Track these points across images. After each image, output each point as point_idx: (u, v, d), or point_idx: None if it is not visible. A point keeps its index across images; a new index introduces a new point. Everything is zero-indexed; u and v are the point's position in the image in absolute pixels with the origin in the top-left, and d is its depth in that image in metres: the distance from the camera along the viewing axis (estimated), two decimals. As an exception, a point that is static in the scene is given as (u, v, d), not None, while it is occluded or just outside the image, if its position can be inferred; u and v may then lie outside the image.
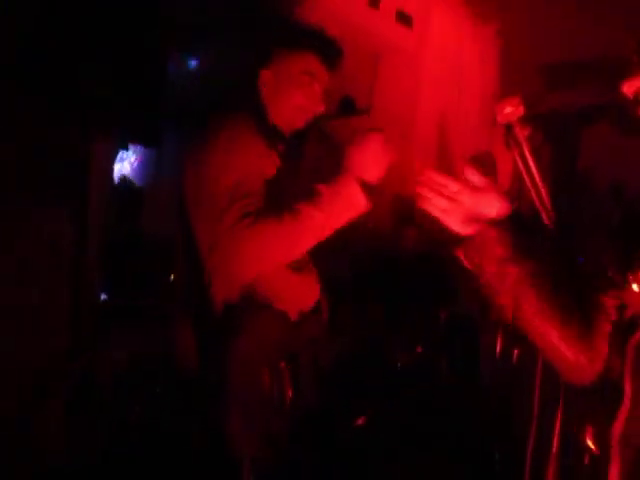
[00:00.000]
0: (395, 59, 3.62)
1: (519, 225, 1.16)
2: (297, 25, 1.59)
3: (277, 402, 1.46)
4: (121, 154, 2.69)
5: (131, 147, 2.74)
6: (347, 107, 4.00)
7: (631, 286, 1.06)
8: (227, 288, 1.41)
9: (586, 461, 1.75)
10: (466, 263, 1.19)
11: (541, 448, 1.42)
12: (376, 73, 3.73)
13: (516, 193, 3.25)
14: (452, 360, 2.41)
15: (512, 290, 1.09)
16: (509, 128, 1.42)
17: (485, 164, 3.27)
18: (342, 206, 1.40)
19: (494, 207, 1.14)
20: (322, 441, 2.15)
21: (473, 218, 1.14)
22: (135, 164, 2.44)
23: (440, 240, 3.39)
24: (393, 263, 2.81)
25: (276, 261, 1.40)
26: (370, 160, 1.44)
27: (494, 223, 1.13)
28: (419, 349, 2.32)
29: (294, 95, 1.51)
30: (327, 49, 1.57)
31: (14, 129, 1.95)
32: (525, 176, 1.39)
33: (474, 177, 1.17)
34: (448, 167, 3.55)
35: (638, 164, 2.69)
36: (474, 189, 1.15)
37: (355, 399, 2.21)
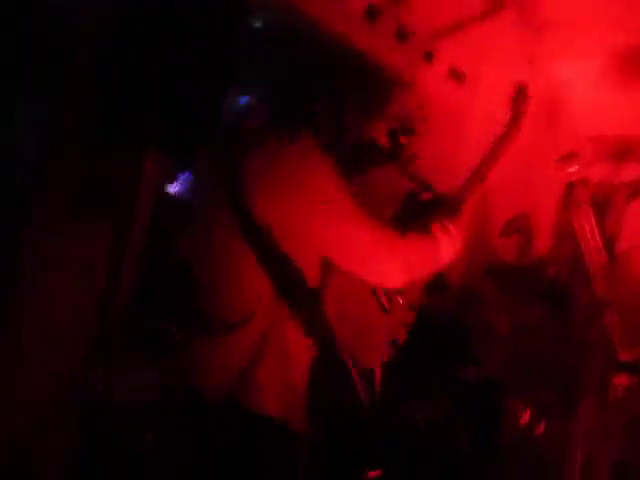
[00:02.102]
0: (443, 113, 3.64)
1: None
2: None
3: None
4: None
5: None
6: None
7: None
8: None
9: None
10: None
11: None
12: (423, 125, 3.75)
13: (555, 258, 3.21)
14: (473, 423, 2.32)
15: None
16: (570, 188, 1.39)
17: (524, 227, 3.23)
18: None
19: None
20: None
21: None
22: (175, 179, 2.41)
23: (467, 300, 3.31)
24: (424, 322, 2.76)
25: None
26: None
27: None
28: (442, 407, 2.24)
29: None
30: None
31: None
32: (582, 239, 1.35)
33: None
34: (483, 227, 3.50)
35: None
36: None
37: (372, 450, 2.13)
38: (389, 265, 1.40)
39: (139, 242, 2.14)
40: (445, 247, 1.54)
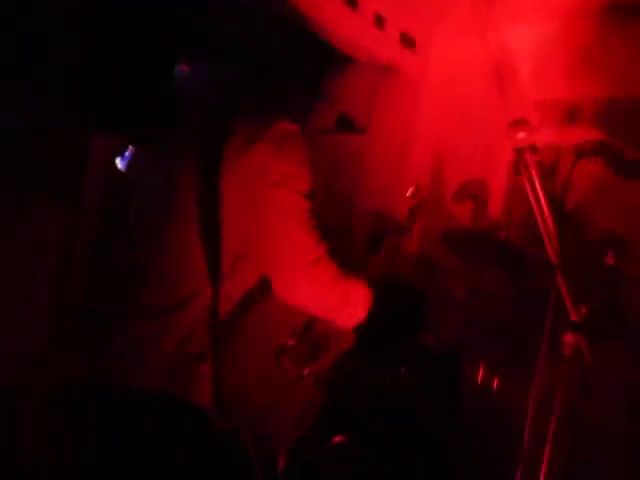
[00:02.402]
0: (396, 81, 3.64)
1: None
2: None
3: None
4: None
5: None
6: (344, 124, 4.01)
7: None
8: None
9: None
10: None
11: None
12: (376, 93, 3.74)
13: (507, 222, 3.29)
14: (434, 385, 2.38)
15: None
16: (519, 153, 1.41)
17: (477, 192, 3.29)
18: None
19: None
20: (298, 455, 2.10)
21: None
22: (126, 156, 2.35)
23: (424, 267, 3.36)
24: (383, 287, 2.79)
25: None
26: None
27: None
28: (403, 370, 2.30)
29: None
30: None
31: (16, 121, 1.91)
32: (533, 203, 1.38)
33: None
34: (441, 193, 3.56)
35: (630, 207, 2.72)
36: None
37: (336, 415, 2.17)
38: (298, 275, 1.38)
39: (89, 223, 2.08)
40: (350, 309, 1.50)
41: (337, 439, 2.22)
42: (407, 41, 3.55)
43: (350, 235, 3.67)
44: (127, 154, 1.95)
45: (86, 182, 2.01)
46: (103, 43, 2.02)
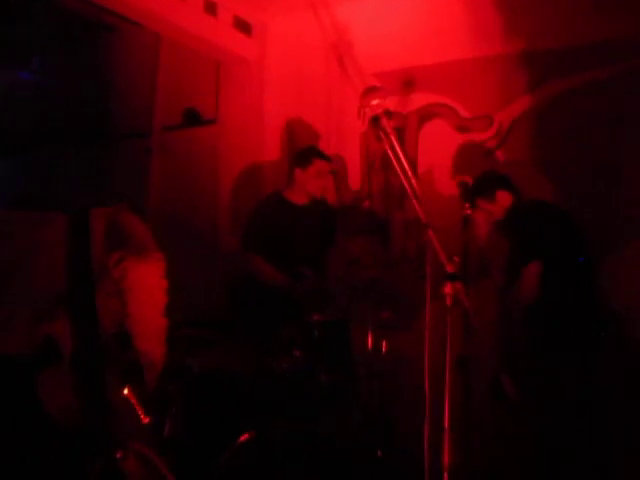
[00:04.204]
0: (237, 68, 3.58)
1: None
2: None
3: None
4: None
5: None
6: (191, 118, 3.88)
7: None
8: None
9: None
10: None
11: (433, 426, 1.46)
12: (219, 83, 3.66)
13: (366, 193, 3.40)
14: (328, 359, 2.41)
15: None
16: (376, 120, 1.45)
17: (335, 168, 3.36)
18: None
19: None
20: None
21: None
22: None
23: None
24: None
25: None
26: None
27: None
28: (297, 353, 2.30)
29: None
30: None
31: None
32: (397, 167, 1.43)
33: None
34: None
35: (474, 162, 2.95)
36: None
37: (240, 416, 2.12)
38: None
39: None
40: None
41: (243, 438, 2.17)
42: (242, 26, 3.51)
43: (216, 228, 3.60)
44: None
45: None
46: None
